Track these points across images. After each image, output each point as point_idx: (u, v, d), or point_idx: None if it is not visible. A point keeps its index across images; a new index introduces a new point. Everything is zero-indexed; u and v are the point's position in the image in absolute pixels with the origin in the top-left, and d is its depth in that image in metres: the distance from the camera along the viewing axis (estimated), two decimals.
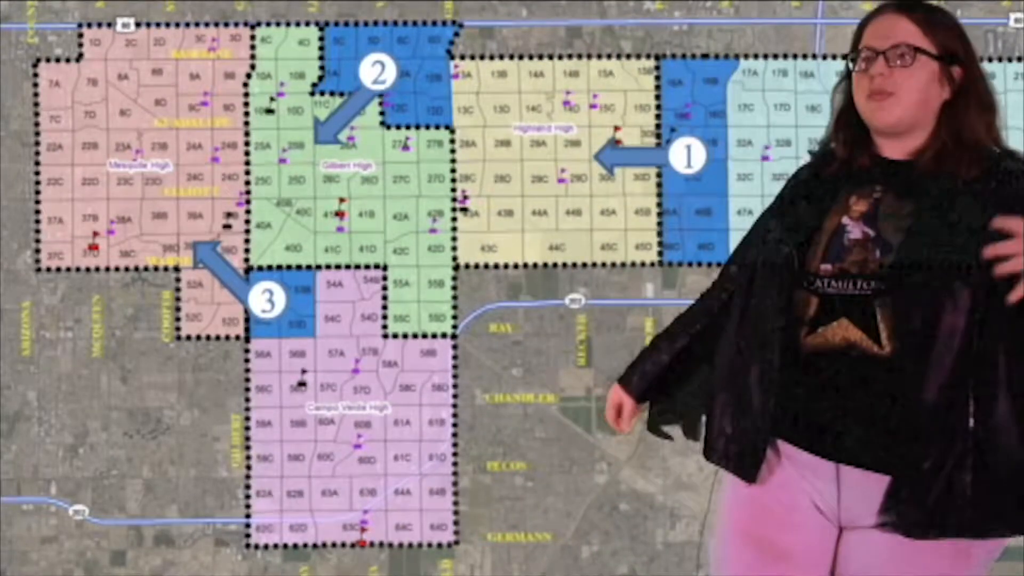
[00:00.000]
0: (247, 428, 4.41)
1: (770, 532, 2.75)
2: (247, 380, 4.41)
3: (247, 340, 4.41)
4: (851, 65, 2.76)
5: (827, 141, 2.86)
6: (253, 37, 4.43)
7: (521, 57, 4.42)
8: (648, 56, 4.41)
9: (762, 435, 2.72)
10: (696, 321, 3.00)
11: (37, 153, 4.41)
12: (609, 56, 4.41)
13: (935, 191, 2.67)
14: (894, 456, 2.62)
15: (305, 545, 4.41)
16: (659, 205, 4.40)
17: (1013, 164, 2.71)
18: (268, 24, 4.43)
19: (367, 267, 4.42)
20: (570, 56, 4.41)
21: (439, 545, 4.41)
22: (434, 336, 4.41)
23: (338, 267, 4.41)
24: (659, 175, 4.40)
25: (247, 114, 4.42)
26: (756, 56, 4.39)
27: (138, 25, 4.42)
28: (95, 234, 4.41)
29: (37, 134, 4.42)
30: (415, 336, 4.41)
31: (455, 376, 4.41)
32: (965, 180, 2.68)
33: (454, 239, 4.41)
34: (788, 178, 2.92)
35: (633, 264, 4.40)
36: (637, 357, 3.06)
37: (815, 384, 2.67)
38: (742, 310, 2.81)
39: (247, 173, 4.42)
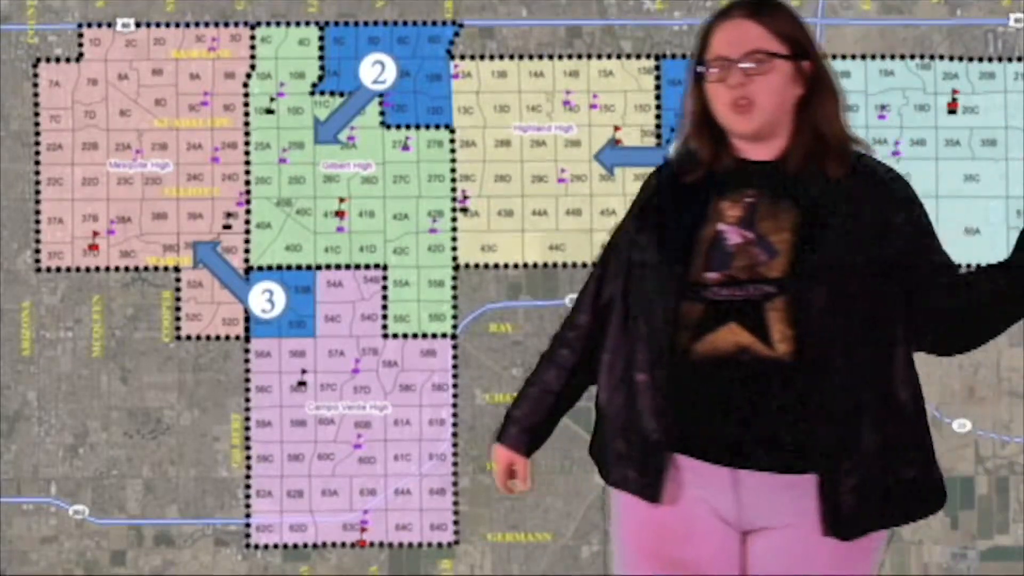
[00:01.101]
0: (247, 428, 4.41)
1: (674, 549, 2.73)
2: (247, 380, 4.41)
3: (247, 340, 4.41)
4: (701, 71, 2.73)
5: (684, 147, 2.83)
6: (253, 37, 4.43)
7: (521, 57, 4.42)
8: (648, 56, 4.41)
9: (660, 453, 2.70)
10: (566, 354, 2.94)
11: (37, 153, 4.41)
12: (609, 56, 4.41)
13: (809, 191, 2.68)
14: (799, 457, 2.63)
15: (305, 545, 4.41)
16: None
17: (871, 161, 2.76)
18: (268, 24, 4.43)
19: (367, 267, 4.42)
20: (570, 56, 4.41)
21: (439, 545, 4.41)
22: (434, 336, 4.41)
23: (338, 267, 4.41)
24: None
25: (247, 114, 4.42)
26: None
27: (138, 25, 4.42)
28: (95, 234, 4.41)
29: (37, 134, 4.42)
30: (415, 336, 4.41)
31: (455, 376, 4.41)
32: (834, 179, 2.70)
33: (454, 239, 4.41)
34: (642, 186, 2.88)
35: None
36: (513, 409, 2.98)
37: (708, 391, 2.65)
38: (622, 328, 2.78)
39: (247, 173, 4.43)
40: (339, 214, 4.42)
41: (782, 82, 2.71)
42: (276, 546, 4.41)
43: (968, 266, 4.36)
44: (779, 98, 2.71)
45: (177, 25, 4.42)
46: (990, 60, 4.40)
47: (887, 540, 2.76)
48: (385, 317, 4.41)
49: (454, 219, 4.41)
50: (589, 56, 4.41)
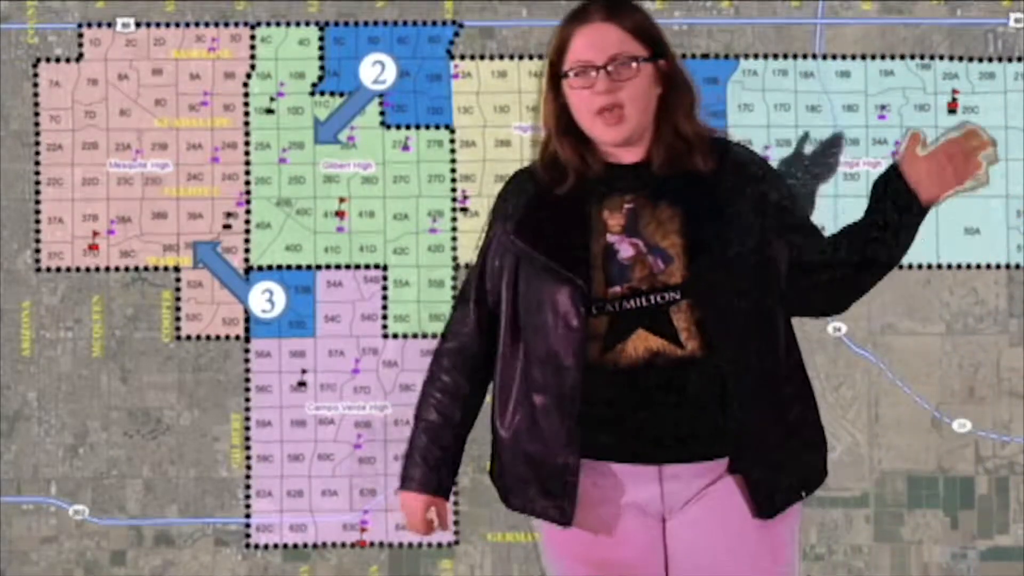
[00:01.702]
0: (247, 428, 4.41)
1: (602, 552, 2.76)
2: (247, 380, 4.41)
3: (247, 340, 4.41)
4: (562, 77, 2.72)
5: (546, 155, 2.79)
6: (253, 37, 4.43)
7: (521, 57, 4.42)
8: None
9: (568, 475, 2.71)
10: (458, 381, 2.91)
11: (37, 153, 4.41)
12: None
13: (682, 189, 2.70)
14: (723, 444, 2.68)
15: (305, 545, 4.41)
16: None
17: (740, 150, 2.79)
18: (268, 24, 4.43)
19: (367, 267, 4.42)
20: None
21: (439, 545, 4.41)
22: (434, 336, 4.41)
23: (338, 267, 4.41)
24: None
25: (247, 114, 4.42)
26: (756, 56, 4.39)
27: (138, 25, 4.42)
28: (95, 234, 4.41)
29: (37, 134, 4.42)
30: (415, 336, 4.41)
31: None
32: (704, 173, 2.71)
33: (454, 239, 4.41)
34: (503, 195, 2.86)
35: None
36: (413, 455, 2.91)
37: (627, 397, 2.67)
38: (511, 348, 2.77)
39: (247, 173, 4.42)
40: (339, 214, 4.42)
41: (646, 85, 2.71)
42: (276, 546, 4.41)
43: (968, 267, 4.36)
44: (645, 102, 2.71)
45: (177, 25, 4.42)
46: (990, 60, 4.40)
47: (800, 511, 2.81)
48: (385, 317, 4.41)
49: (454, 219, 4.41)
50: None
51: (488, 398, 2.97)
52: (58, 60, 4.42)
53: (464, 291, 2.91)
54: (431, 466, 2.90)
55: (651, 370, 2.66)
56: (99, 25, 4.42)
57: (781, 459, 2.71)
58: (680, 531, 2.74)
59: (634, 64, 2.68)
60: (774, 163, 4.36)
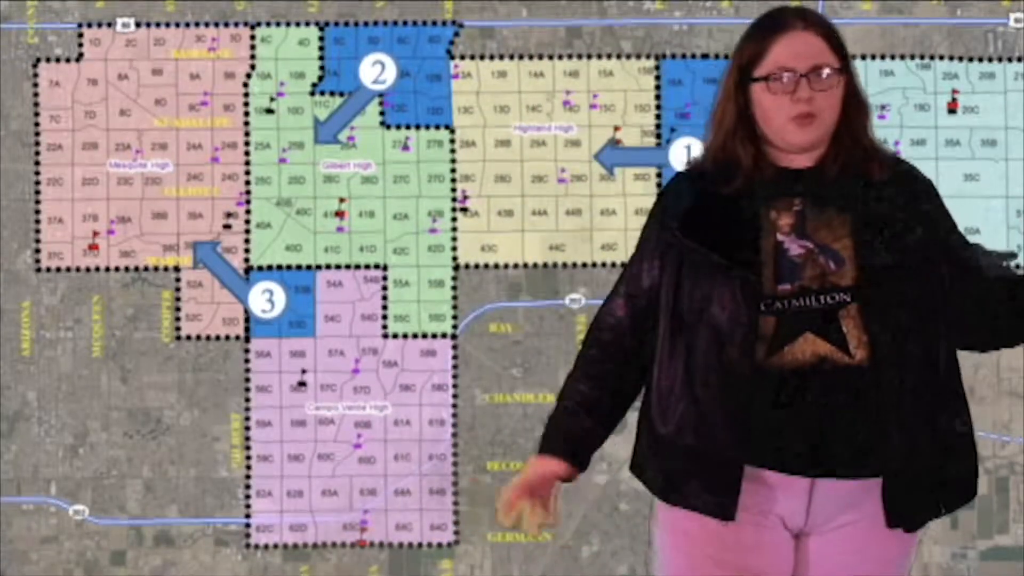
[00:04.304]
0: (247, 428, 4.41)
1: (740, 558, 2.73)
2: (247, 380, 4.41)
3: (247, 340, 4.41)
4: (752, 81, 2.73)
5: (716, 155, 2.80)
6: (253, 37, 4.43)
7: (521, 57, 4.42)
8: (648, 56, 4.41)
9: (735, 469, 2.69)
10: (608, 372, 2.82)
11: (37, 153, 4.41)
12: (609, 56, 4.41)
13: (850, 196, 2.71)
14: (877, 461, 2.65)
15: (305, 545, 4.41)
16: None
17: (912, 168, 2.80)
18: (268, 24, 4.43)
19: (367, 267, 4.42)
20: (570, 56, 4.41)
21: (439, 545, 4.41)
22: (434, 336, 4.41)
23: (338, 267, 4.41)
24: (659, 175, 4.40)
25: (247, 114, 4.42)
26: None
27: (138, 25, 4.42)
28: (95, 234, 4.41)
29: (37, 134, 4.42)
30: (415, 336, 4.41)
31: (455, 376, 4.41)
32: (874, 184, 2.72)
33: (454, 239, 4.41)
34: (664, 197, 2.83)
35: None
36: (555, 429, 2.83)
37: (791, 403, 2.65)
38: (670, 339, 2.74)
39: (247, 173, 4.43)
40: (339, 214, 4.42)
41: (840, 96, 2.73)
42: (276, 546, 4.41)
43: None
44: (836, 112, 2.73)
45: (177, 25, 4.42)
46: (990, 60, 4.40)
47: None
48: (385, 317, 4.41)
49: (454, 219, 4.41)
50: (589, 56, 4.41)
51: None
52: (58, 60, 4.42)
53: (616, 288, 2.88)
54: (573, 440, 2.80)
55: (816, 376, 2.64)
56: (99, 25, 4.42)
57: (933, 479, 2.69)
58: (815, 552, 2.73)
59: (834, 75, 2.71)
60: None
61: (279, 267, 4.41)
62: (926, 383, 2.68)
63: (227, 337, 4.42)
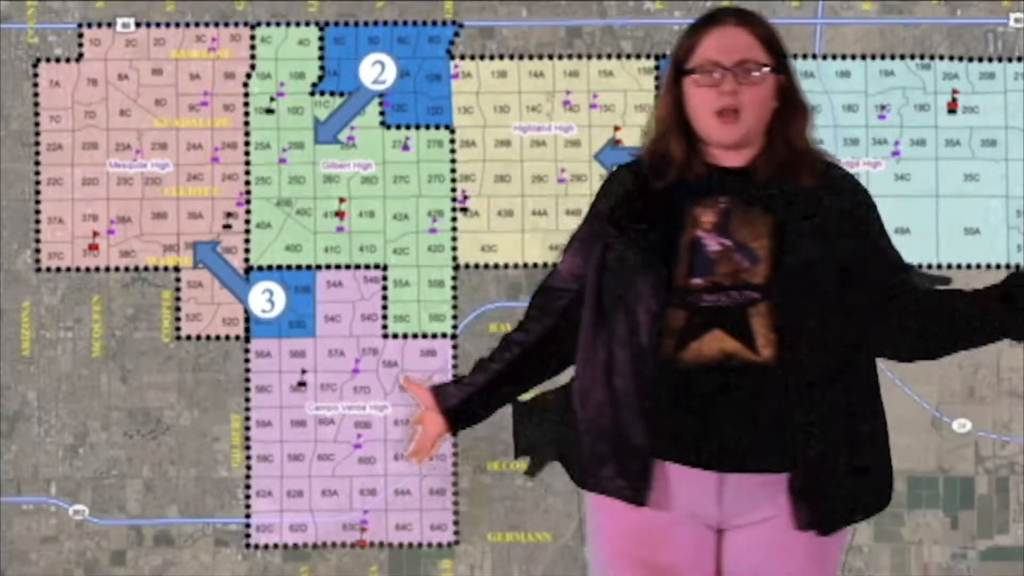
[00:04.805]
0: (247, 428, 4.41)
1: (652, 552, 2.76)
2: (247, 380, 4.41)
3: (247, 340, 4.41)
4: (684, 75, 2.74)
5: (653, 150, 2.82)
6: (253, 37, 4.43)
7: (521, 57, 4.42)
8: (648, 56, 4.41)
9: (646, 457, 2.71)
10: (519, 352, 2.94)
11: (37, 153, 4.41)
12: (609, 56, 4.41)
13: (778, 199, 2.72)
14: (785, 457, 2.68)
15: (305, 545, 4.41)
16: None
17: (839, 172, 2.80)
18: (268, 24, 4.43)
19: (367, 267, 4.42)
20: (570, 56, 4.42)
21: (439, 545, 4.41)
22: (434, 336, 4.42)
23: (338, 267, 4.42)
24: None
25: (247, 114, 4.42)
26: None
27: (138, 25, 4.42)
28: (95, 234, 4.41)
29: (37, 134, 4.42)
30: (415, 336, 4.41)
31: (455, 376, 4.41)
32: (804, 188, 2.73)
33: (454, 239, 4.41)
34: (607, 184, 2.87)
35: None
36: (459, 384, 2.99)
37: (696, 398, 2.68)
38: (593, 329, 2.78)
39: (247, 173, 4.43)
40: (339, 214, 4.42)
41: (767, 94, 2.74)
42: (276, 546, 4.41)
43: (968, 267, 4.36)
44: (763, 109, 2.74)
45: (177, 25, 4.42)
46: (990, 60, 4.40)
47: (851, 537, 2.83)
48: (385, 317, 4.41)
49: (454, 219, 4.41)
50: (589, 56, 4.41)
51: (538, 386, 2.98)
52: (58, 60, 4.42)
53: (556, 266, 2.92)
54: (462, 398, 2.98)
55: (721, 372, 2.66)
56: (99, 25, 4.42)
57: (844, 478, 2.71)
58: (737, 547, 2.75)
59: (761, 71, 2.71)
60: None
61: (279, 267, 4.41)
62: (838, 385, 2.69)
63: (227, 337, 4.42)
